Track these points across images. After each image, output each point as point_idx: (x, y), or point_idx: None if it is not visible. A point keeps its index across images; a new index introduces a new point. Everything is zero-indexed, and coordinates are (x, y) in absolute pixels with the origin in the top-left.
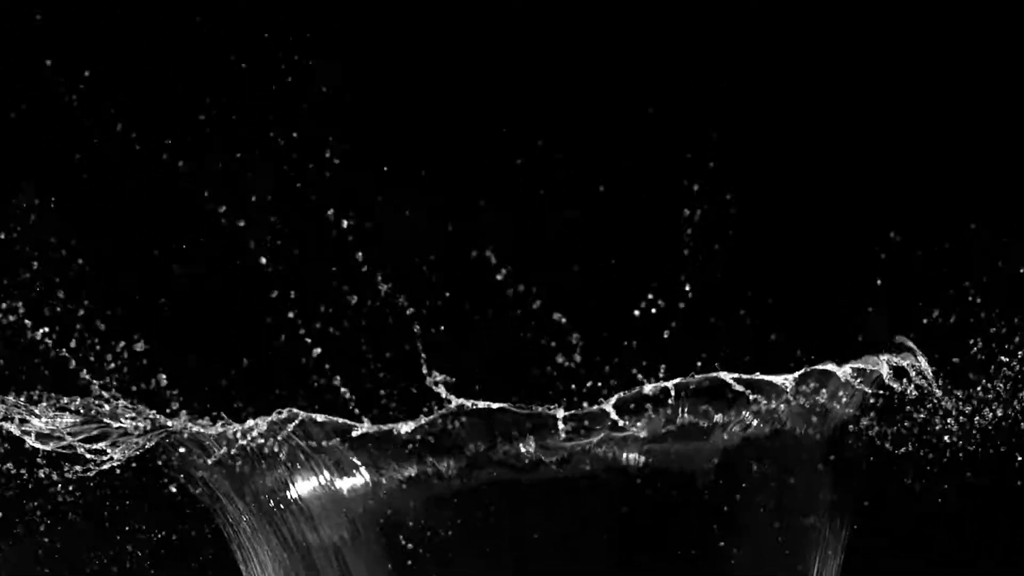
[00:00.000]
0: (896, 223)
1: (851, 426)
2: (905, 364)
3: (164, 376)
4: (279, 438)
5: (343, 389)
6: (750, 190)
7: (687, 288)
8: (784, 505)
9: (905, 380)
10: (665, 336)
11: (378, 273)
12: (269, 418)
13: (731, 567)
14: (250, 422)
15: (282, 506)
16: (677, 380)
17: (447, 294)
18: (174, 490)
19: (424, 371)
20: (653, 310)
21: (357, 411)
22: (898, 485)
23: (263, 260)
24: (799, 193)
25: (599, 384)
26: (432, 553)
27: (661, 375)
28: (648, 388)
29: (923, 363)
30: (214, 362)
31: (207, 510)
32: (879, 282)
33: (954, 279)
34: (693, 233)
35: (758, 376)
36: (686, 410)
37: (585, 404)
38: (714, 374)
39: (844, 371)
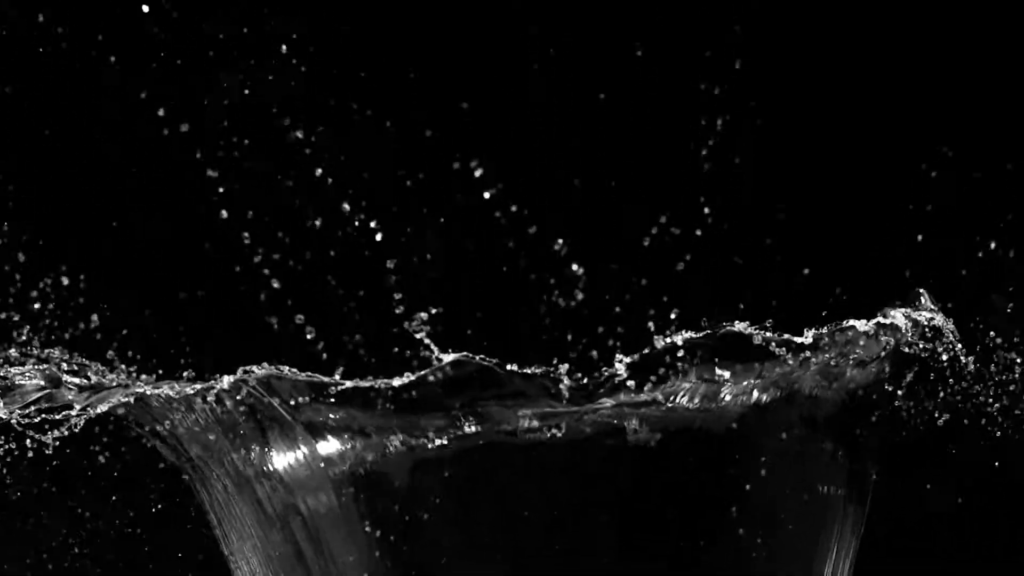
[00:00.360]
0: (949, 136)
1: (874, 394)
2: (922, 319)
3: (96, 317)
4: (240, 397)
5: (308, 329)
6: (779, 96)
7: (706, 212)
8: (803, 477)
9: (926, 341)
10: (679, 268)
11: (344, 192)
12: (235, 376)
13: (745, 542)
14: (214, 381)
15: (252, 471)
16: (688, 334)
17: (425, 216)
18: (101, 461)
19: (399, 309)
20: (666, 238)
21: (325, 356)
22: (917, 473)
23: (211, 173)
24: (837, 99)
25: (602, 329)
26: (415, 527)
27: (673, 317)
28: (658, 343)
29: (940, 319)
30: (154, 298)
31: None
32: (929, 207)
33: (1018, 203)
34: (713, 147)
35: (778, 336)
36: (699, 372)
37: (594, 353)
38: (732, 328)
39: (869, 327)
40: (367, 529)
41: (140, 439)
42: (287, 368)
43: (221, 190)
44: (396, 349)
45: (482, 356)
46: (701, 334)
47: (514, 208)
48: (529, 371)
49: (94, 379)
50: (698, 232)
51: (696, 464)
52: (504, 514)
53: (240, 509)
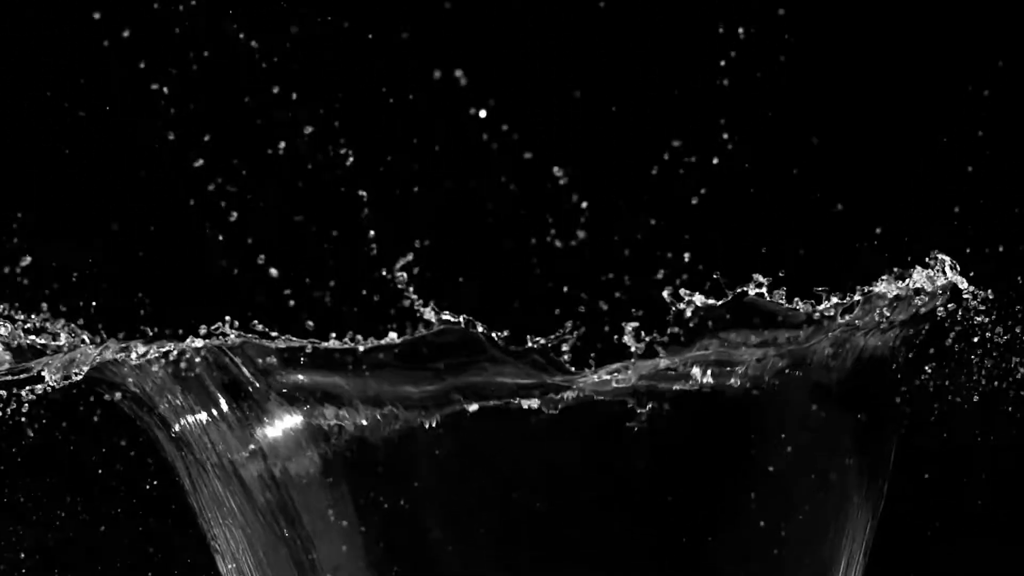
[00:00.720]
0: (1002, 50)
1: (894, 364)
2: (942, 282)
3: (29, 258)
4: (198, 359)
5: (271, 272)
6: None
7: (724, 137)
8: (820, 454)
9: (946, 307)
10: (694, 203)
11: (311, 110)
12: (205, 340)
13: (756, 525)
14: (180, 344)
15: (224, 437)
16: (701, 298)
17: (406, 139)
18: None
19: (372, 248)
20: (681, 171)
21: (291, 303)
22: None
23: (159, 89)
24: (874, 4)
25: (611, 275)
26: (398, 504)
27: (686, 260)
28: (670, 303)
29: (961, 281)
30: (88, 235)
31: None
32: (980, 133)
33: None
34: (734, 59)
35: (795, 305)
36: (713, 340)
37: (603, 305)
38: (749, 293)
39: (895, 289)
40: (347, 504)
41: (78, 409)
42: (258, 324)
43: (172, 111)
44: (366, 292)
45: (469, 318)
46: (719, 302)
47: (505, 127)
48: (527, 346)
49: (64, 340)
50: (716, 160)
51: (707, 439)
52: (496, 495)
53: (214, 474)
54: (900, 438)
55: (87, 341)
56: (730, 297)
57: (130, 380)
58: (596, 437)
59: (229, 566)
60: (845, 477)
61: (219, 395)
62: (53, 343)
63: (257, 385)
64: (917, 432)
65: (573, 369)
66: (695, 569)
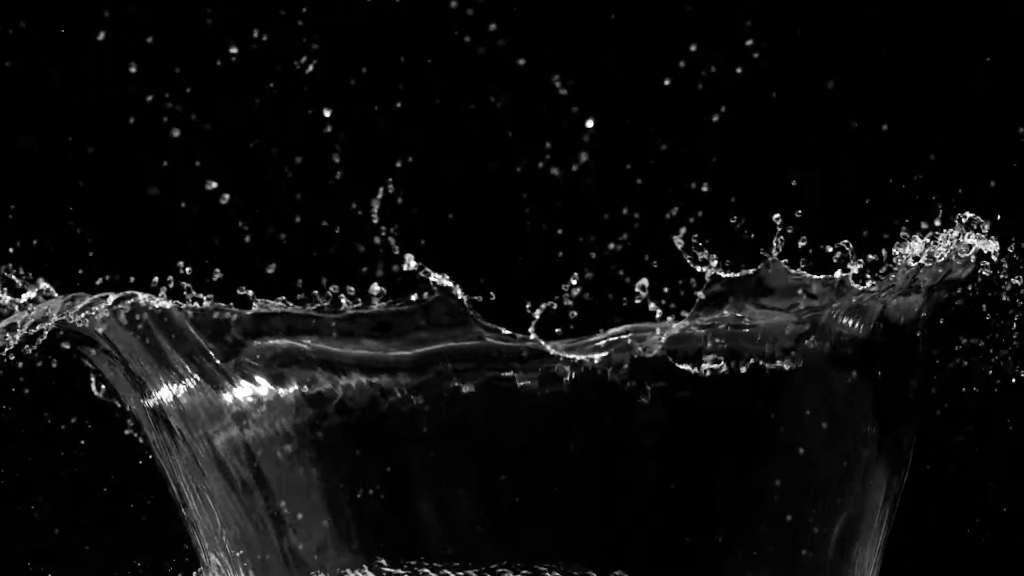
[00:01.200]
0: None
1: (916, 332)
2: (972, 244)
3: None
4: (151, 314)
5: (222, 197)
6: None
7: (748, 44)
8: (837, 428)
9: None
10: (715, 121)
11: (269, 11)
12: (170, 302)
13: (771, 498)
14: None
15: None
16: (714, 264)
17: (379, 46)
18: None
19: (338, 175)
20: (699, 85)
21: (248, 239)
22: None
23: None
24: None
25: (616, 219)
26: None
27: (704, 191)
28: (691, 264)
29: (991, 245)
30: (40, 179)
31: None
32: None
33: None
34: None
35: (820, 276)
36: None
37: (613, 246)
38: (773, 247)
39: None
40: (326, 478)
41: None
42: (218, 272)
43: (107, 12)
44: (327, 224)
45: (447, 276)
46: (739, 274)
47: (494, 27)
48: (527, 337)
49: (30, 293)
50: (739, 70)
51: (725, 408)
52: (487, 470)
53: (183, 442)
54: (928, 415)
55: (53, 293)
56: (751, 270)
57: (97, 335)
58: (607, 407)
59: (203, 542)
60: (868, 449)
61: (187, 361)
62: (16, 299)
63: (229, 350)
64: (948, 411)
65: (560, 355)
66: (709, 548)
